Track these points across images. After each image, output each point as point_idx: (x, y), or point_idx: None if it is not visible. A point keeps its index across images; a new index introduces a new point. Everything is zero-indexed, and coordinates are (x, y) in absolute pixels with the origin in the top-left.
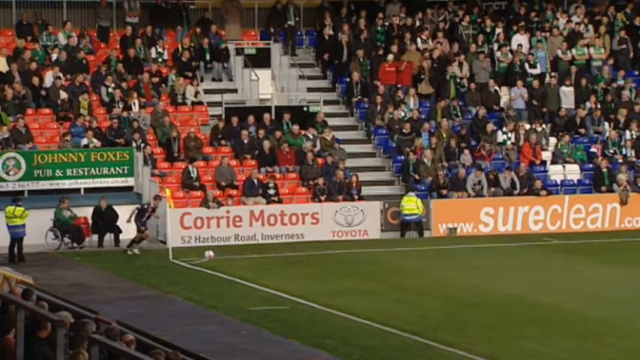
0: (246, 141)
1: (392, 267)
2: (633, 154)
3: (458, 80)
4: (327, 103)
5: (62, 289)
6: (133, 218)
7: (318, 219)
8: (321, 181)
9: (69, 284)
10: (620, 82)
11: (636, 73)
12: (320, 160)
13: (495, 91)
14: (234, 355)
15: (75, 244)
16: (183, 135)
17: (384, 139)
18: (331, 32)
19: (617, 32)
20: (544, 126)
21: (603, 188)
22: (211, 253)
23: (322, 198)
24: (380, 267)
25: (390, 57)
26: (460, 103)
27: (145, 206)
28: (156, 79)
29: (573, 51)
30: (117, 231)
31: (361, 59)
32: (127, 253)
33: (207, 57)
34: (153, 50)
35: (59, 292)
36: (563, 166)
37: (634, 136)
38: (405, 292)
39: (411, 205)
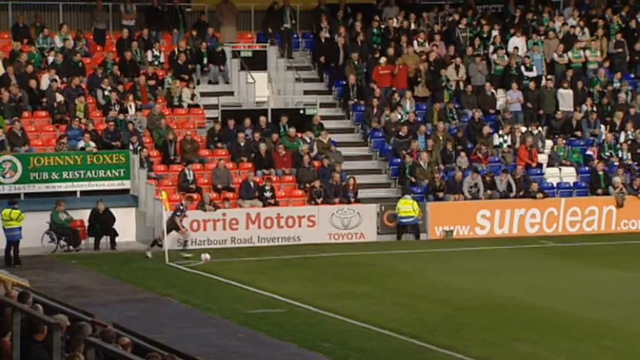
0: (242, 144)
1: (388, 270)
2: (629, 156)
3: (451, 86)
4: (323, 105)
5: (58, 292)
6: (175, 223)
7: (315, 222)
8: (317, 183)
9: (65, 287)
10: (616, 85)
11: (632, 75)
12: (316, 163)
13: (492, 93)
14: (231, 358)
15: (71, 247)
16: (179, 138)
17: (381, 142)
18: (327, 35)
19: (614, 35)
20: (540, 129)
21: (599, 191)
22: (208, 255)
23: (319, 201)
24: (376, 270)
25: (383, 60)
26: (456, 106)
27: (181, 207)
28: (152, 82)
29: (569, 54)
30: (113, 234)
31: (356, 62)
32: (185, 258)
33: (204, 60)
34: (149, 53)
35: (55, 294)
36: (560, 169)
37: (630, 139)
38: (401, 295)
39: (408, 207)
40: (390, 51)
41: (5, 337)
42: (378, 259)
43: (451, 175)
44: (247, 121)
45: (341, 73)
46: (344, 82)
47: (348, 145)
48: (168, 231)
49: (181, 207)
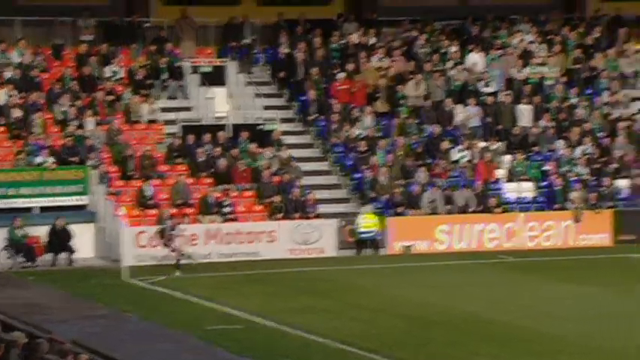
0: (201, 159)
1: (348, 285)
2: (586, 171)
3: (411, 99)
4: (283, 121)
5: (16, 309)
6: (163, 241)
7: (275, 237)
8: (277, 199)
9: (23, 304)
10: (574, 101)
11: (589, 91)
12: (276, 178)
13: (451, 109)
14: None
15: (29, 263)
16: (138, 153)
17: (341, 157)
18: (287, 50)
19: (571, 51)
20: (499, 144)
21: (557, 206)
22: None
23: (279, 216)
24: (336, 285)
25: (342, 75)
26: (416, 121)
27: (166, 225)
28: (111, 97)
29: (527, 69)
30: (71, 250)
31: (316, 77)
32: (173, 275)
33: (163, 75)
34: (108, 68)
35: (13, 311)
36: (518, 184)
37: (587, 154)
38: (361, 310)
39: (368, 222)
40: (350, 66)
41: None
42: (338, 275)
43: (410, 190)
44: (207, 137)
45: (301, 88)
46: (304, 98)
47: (308, 160)
48: (167, 244)
49: (166, 225)
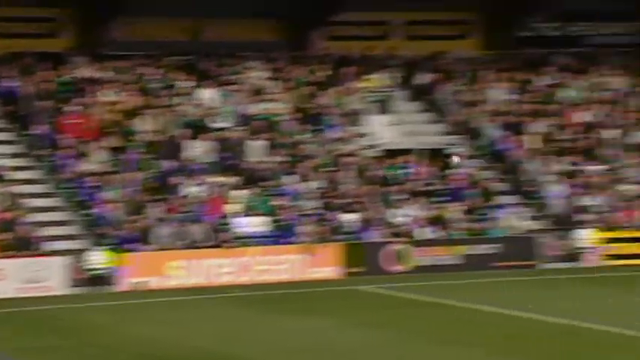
0: None
1: (80, 323)
2: (317, 205)
3: (144, 134)
4: (11, 156)
5: None
6: None
7: (2, 275)
8: (4, 236)
9: None
10: (304, 136)
11: (318, 127)
12: (4, 215)
13: (183, 144)
14: None
15: None
16: None
17: (71, 193)
18: (14, 83)
19: (301, 88)
20: (232, 179)
21: (289, 239)
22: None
23: (6, 254)
24: (67, 323)
25: (73, 109)
26: (148, 156)
27: None
28: None
29: (259, 105)
30: None
31: (46, 111)
32: None
33: None
34: None
35: None
36: (251, 219)
37: (318, 189)
38: (94, 348)
39: (99, 259)
40: (81, 100)
41: None
42: (70, 313)
43: (143, 226)
44: None
45: (30, 122)
46: (33, 132)
47: (38, 196)
48: None
49: None
